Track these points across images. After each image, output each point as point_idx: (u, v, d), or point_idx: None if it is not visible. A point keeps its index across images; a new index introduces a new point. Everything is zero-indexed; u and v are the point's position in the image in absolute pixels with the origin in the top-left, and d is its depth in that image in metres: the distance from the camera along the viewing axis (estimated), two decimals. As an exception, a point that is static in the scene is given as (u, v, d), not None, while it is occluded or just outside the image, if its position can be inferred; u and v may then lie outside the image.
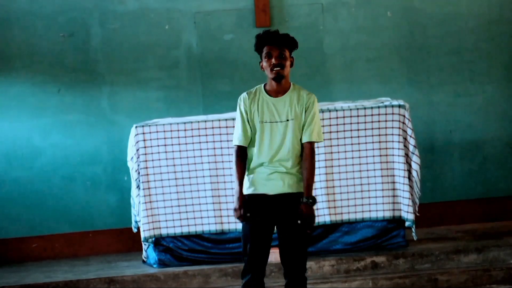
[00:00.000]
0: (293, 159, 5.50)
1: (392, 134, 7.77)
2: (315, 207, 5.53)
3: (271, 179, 5.48)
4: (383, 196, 7.81)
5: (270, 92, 5.54)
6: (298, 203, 5.49)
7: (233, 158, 5.60)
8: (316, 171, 7.77)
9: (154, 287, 7.60)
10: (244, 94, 5.58)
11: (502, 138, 9.46)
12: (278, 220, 5.54)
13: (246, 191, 5.55)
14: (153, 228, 7.83)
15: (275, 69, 5.46)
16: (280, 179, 5.48)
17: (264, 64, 5.52)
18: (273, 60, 5.47)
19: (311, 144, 5.53)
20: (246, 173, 5.57)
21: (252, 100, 5.53)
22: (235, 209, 5.53)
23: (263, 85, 5.60)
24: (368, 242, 7.86)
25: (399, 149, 7.75)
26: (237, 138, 5.56)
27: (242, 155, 5.56)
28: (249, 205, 5.53)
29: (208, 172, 7.79)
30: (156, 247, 7.89)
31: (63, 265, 8.69)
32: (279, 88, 5.52)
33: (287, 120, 5.48)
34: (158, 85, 9.30)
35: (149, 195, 7.81)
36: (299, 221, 5.44)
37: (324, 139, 7.75)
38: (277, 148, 5.47)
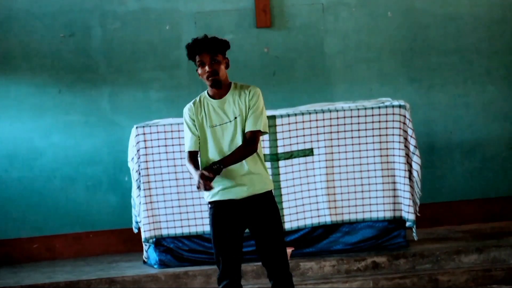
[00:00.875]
0: (252, 157, 5.43)
1: (393, 135, 7.77)
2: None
3: (234, 183, 5.42)
4: (383, 197, 7.81)
5: (213, 96, 5.52)
6: (266, 202, 5.47)
7: (186, 163, 5.52)
8: (317, 171, 7.79)
9: (155, 288, 7.61)
10: (189, 105, 5.55)
11: (503, 138, 9.46)
12: (249, 223, 5.50)
13: (211, 198, 5.49)
14: (154, 229, 7.83)
15: (210, 77, 5.43)
16: (243, 183, 5.43)
17: (199, 72, 5.49)
18: (206, 68, 5.43)
19: (251, 132, 5.41)
20: None
21: (198, 108, 5.51)
22: (199, 182, 5.31)
23: (205, 91, 5.58)
24: (369, 243, 7.87)
25: (399, 149, 7.75)
26: (187, 146, 5.52)
27: (195, 158, 5.50)
28: (216, 211, 5.49)
29: (209, 173, 7.78)
30: (156, 247, 7.89)
31: (63, 265, 8.69)
32: (221, 90, 5.50)
33: (235, 118, 5.45)
34: (158, 85, 9.30)
35: (150, 195, 7.82)
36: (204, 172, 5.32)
37: (324, 139, 7.78)
38: (231, 148, 5.42)
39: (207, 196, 5.52)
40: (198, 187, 5.34)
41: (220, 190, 5.45)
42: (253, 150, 5.41)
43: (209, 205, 5.54)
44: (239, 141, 5.43)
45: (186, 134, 5.55)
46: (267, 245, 5.49)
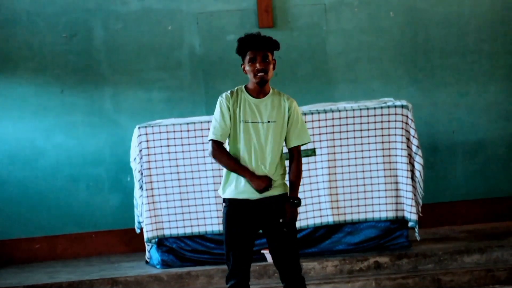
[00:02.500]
0: (275, 161, 5.45)
1: (395, 135, 7.77)
2: (299, 209, 5.49)
3: (251, 184, 5.41)
4: (386, 197, 7.81)
5: (252, 93, 5.51)
6: (283, 204, 5.46)
7: (214, 153, 5.44)
8: (319, 172, 7.79)
9: (157, 288, 7.61)
10: (226, 93, 5.52)
11: (505, 138, 9.45)
12: (264, 225, 5.50)
13: (228, 194, 5.50)
14: (156, 229, 7.83)
15: (259, 74, 5.42)
16: None
17: (248, 68, 5.45)
18: (257, 65, 5.42)
19: (298, 147, 5.52)
20: (226, 173, 5.50)
21: (234, 99, 5.49)
22: (265, 187, 5.40)
23: (242, 86, 5.57)
24: (371, 243, 7.86)
25: (402, 149, 7.75)
26: (217, 134, 5.45)
27: (224, 149, 5.48)
28: (231, 210, 5.49)
29: (211, 173, 7.79)
30: (159, 247, 7.89)
31: (66, 265, 8.70)
32: (261, 90, 5.50)
33: (269, 122, 5.44)
34: (161, 85, 9.31)
35: (152, 195, 7.82)
36: (281, 220, 5.41)
37: (327, 139, 7.78)
38: (259, 149, 5.42)
39: (223, 193, 5.52)
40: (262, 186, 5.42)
41: (237, 188, 5.45)
42: (302, 164, 5.55)
43: (224, 203, 5.53)
44: (270, 146, 5.42)
45: (218, 121, 5.45)
46: (280, 248, 5.48)
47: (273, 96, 5.50)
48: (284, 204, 5.45)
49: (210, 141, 5.48)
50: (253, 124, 5.44)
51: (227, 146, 5.49)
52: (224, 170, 5.52)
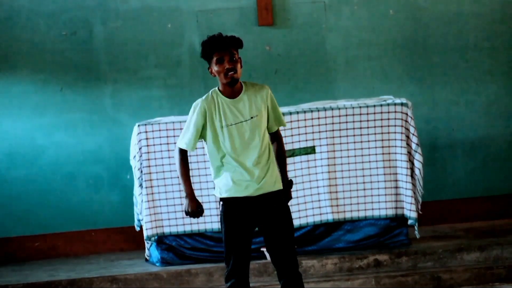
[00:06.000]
0: (265, 155, 5.46)
1: (395, 132, 7.77)
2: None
3: (246, 181, 5.42)
4: (385, 194, 7.81)
5: (227, 95, 5.50)
6: (278, 201, 5.48)
7: (177, 160, 5.57)
8: (319, 169, 7.79)
9: (157, 286, 7.60)
10: (201, 101, 5.50)
11: (505, 136, 9.45)
12: (260, 222, 5.50)
13: (223, 194, 5.50)
14: (156, 227, 7.83)
15: (230, 73, 5.42)
16: (255, 180, 5.43)
17: (216, 69, 5.44)
18: (226, 65, 5.42)
19: (278, 131, 5.64)
20: (216, 176, 5.53)
21: (210, 105, 5.48)
22: (192, 211, 5.56)
23: (216, 89, 5.56)
24: (371, 240, 7.87)
25: (401, 147, 7.75)
26: (185, 142, 5.51)
27: (186, 159, 5.57)
28: (228, 208, 5.50)
29: (211, 171, 7.78)
30: (158, 245, 7.89)
31: (65, 263, 8.70)
32: (234, 89, 5.50)
33: (252, 118, 5.45)
34: (160, 83, 9.30)
35: (152, 193, 7.82)
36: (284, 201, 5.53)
37: (326, 137, 7.79)
38: (248, 147, 5.42)
39: (219, 193, 5.52)
40: (189, 213, 5.57)
41: (232, 187, 5.45)
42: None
43: (220, 202, 5.53)
44: (258, 141, 5.43)
45: (189, 129, 5.49)
46: (277, 245, 5.48)
47: (247, 91, 5.50)
48: (280, 201, 5.48)
49: (177, 147, 5.56)
50: (237, 126, 5.44)
51: (213, 149, 5.49)
52: (213, 171, 5.54)
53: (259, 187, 5.43)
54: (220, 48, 5.44)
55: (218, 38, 5.45)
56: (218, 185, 5.53)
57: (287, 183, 5.59)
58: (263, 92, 5.51)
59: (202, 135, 5.52)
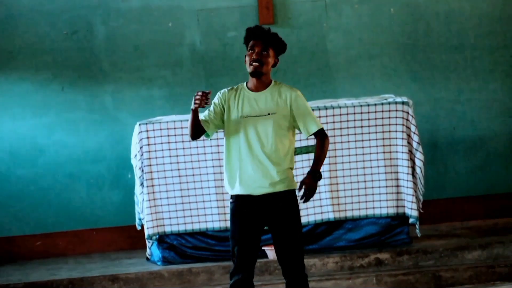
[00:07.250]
0: (277, 155, 5.44)
1: (396, 131, 7.78)
2: (300, 206, 5.52)
3: (256, 178, 5.42)
4: (386, 193, 7.81)
5: (251, 88, 5.52)
6: (287, 201, 5.46)
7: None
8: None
9: (158, 285, 7.60)
10: (224, 89, 5.57)
11: (506, 134, 9.45)
12: (269, 221, 5.49)
13: (231, 191, 5.50)
14: (157, 226, 7.83)
15: (254, 63, 5.43)
16: (265, 178, 5.42)
17: (246, 57, 5.50)
18: (253, 55, 5.45)
19: (321, 130, 5.51)
20: (227, 168, 5.51)
21: (232, 95, 5.52)
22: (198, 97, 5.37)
23: (245, 83, 5.58)
24: (372, 239, 7.87)
25: (402, 145, 7.76)
26: (203, 115, 5.51)
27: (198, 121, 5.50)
28: (237, 206, 5.49)
29: (212, 170, 7.80)
30: (160, 244, 7.89)
31: (66, 262, 8.70)
32: (259, 83, 5.49)
33: (269, 114, 5.45)
34: (161, 82, 9.31)
35: (153, 192, 7.82)
36: (300, 190, 5.41)
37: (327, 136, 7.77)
38: (260, 143, 5.42)
39: (230, 189, 5.51)
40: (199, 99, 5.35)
41: (242, 184, 5.44)
42: (328, 144, 5.55)
43: (231, 199, 5.53)
44: (271, 139, 5.41)
45: (209, 109, 5.53)
46: (284, 244, 5.48)
47: (273, 88, 5.50)
48: (289, 202, 5.47)
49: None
50: (253, 119, 5.44)
51: (228, 141, 5.49)
52: (225, 166, 5.52)
53: (268, 187, 5.43)
54: (256, 37, 5.45)
55: (258, 28, 5.48)
56: (228, 180, 5.51)
57: (317, 175, 5.46)
58: (288, 93, 5.48)
59: (222, 124, 5.51)
